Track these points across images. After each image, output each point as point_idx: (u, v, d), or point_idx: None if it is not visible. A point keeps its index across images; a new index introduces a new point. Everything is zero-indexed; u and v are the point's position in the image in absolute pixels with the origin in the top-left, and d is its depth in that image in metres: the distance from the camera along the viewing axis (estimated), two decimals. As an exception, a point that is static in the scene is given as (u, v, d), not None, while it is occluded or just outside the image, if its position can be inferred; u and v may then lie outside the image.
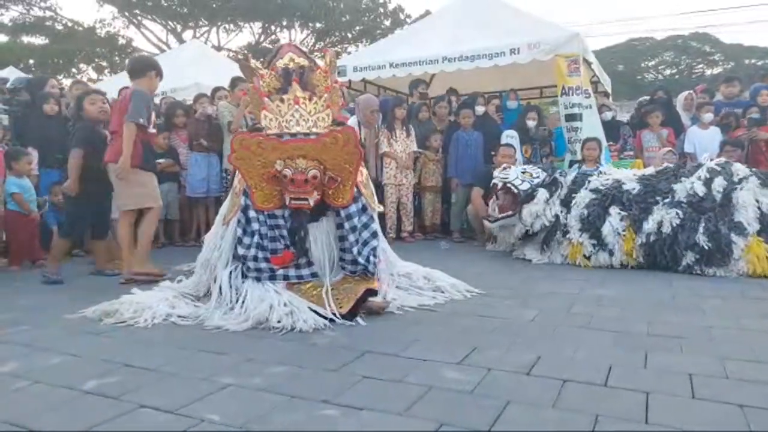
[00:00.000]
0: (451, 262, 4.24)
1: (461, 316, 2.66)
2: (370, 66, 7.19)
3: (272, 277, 2.71)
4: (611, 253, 4.06)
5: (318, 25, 22.51)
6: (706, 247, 3.73)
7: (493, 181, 4.79)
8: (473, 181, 5.71)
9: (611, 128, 6.77)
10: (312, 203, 2.64)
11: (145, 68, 3.89)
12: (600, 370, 1.86)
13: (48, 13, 20.62)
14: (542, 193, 4.43)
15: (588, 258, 4.16)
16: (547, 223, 4.37)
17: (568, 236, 4.28)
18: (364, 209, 2.83)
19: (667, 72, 29.78)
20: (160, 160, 5.71)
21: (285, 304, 2.54)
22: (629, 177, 4.37)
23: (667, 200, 4.02)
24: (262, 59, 3.31)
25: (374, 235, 2.85)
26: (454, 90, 7.56)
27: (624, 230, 4.02)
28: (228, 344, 2.23)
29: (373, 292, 2.70)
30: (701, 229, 3.79)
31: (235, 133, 5.36)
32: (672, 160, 5.41)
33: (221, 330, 2.43)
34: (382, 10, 22.78)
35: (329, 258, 2.80)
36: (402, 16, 22.57)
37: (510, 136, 6.05)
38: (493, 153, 5.80)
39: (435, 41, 7.11)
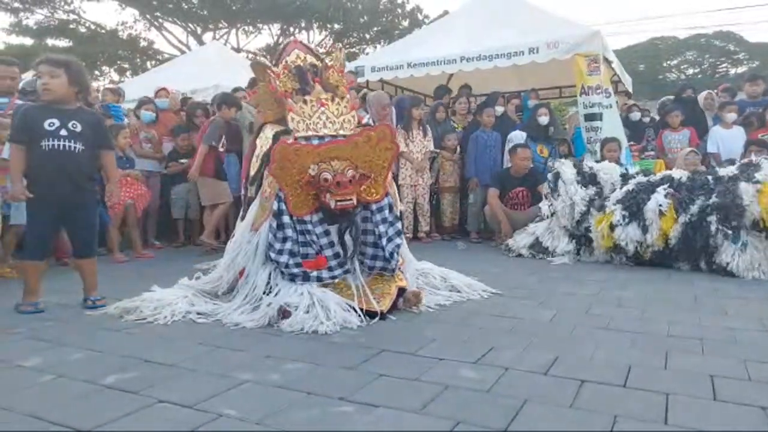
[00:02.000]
0: (468, 262, 4.23)
1: (478, 316, 2.65)
2: (387, 66, 7.20)
3: (306, 279, 2.68)
4: (645, 230, 3.99)
5: (336, 26, 22.60)
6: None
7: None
8: (489, 182, 5.69)
9: (637, 128, 6.70)
10: (356, 202, 2.66)
11: (221, 104, 5.31)
12: (619, 370, 1.83)
13: (72, 17, 21.03)
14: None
15: (613, 229, 4.10)
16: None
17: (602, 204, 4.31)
18: (390, 207, 2.85)
19: (690, 71, 29.30)
20: (182, 161, 5.80)
21: (310, 307, 2.51)
22: (680, 173, 4.42)
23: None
24: (269, 57, 3.33)
25: (399, 233, 2.87)
26: (468, 86, 7.54)
27: (666, 209, 3.97)
28: (246, 341, 2.25)
29: (403, 291, 2.73)
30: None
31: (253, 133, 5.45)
32: (695, 161, 5.33)
33: (240, 327, 2.45)
34: (400, 10, 22.77)
35: (368, 251, 2.82)
36: (420, 17, 22.54)
37: (518, 137, 6.01)
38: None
39: (453, 41, 7.09)
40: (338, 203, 2.61)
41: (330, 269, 2.72)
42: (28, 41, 20.88)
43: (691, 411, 1.52)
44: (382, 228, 2.76)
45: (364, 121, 5.00)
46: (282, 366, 1.92)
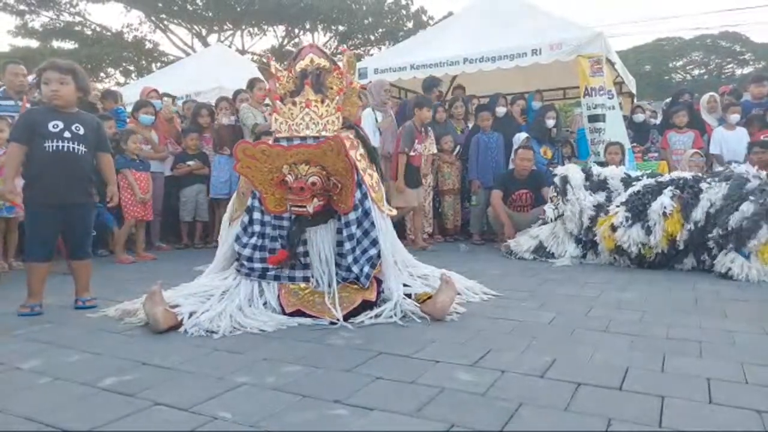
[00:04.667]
0: (471, 264, 4.23)
1: (477, 318, 2.64)
2: (391, 68, 7.22)
3: (262, 276, 2.73)
4: (648, 231, 3.96)
5: (341, 27, 22.63)
6: (733, 227, 3.70)
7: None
8: (491, 184, 5.69)
9: (641, 130, 6.68)
10: (311, 210, 2.62)
11: (413, 106, 5.49)
12: (616, 373, 1.83)
13: (77, 19, 21.17)
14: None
15: (614, 230, 4.07)
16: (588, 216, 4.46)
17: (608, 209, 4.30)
18: (366, 215, 2.76)
19: (696, 72, 29.16)
20: (190, 162, 5.84)
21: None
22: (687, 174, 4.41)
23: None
24: (284, 63, 3.33)
25: (374, 243, 2.77)
26: (462, 87, 7.50)
27: (671, 211, 3.94)
28: (244, 344, 2.25)
29: (369, 304, 2.66)
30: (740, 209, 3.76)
31: (259, 135, 5.45)
32: (699, 163, 5.31)
33: (238, 330, 2.45)
34: (404, 12, 22.77)
35: (332, 261, 2.77)
36: (425, 18, 22.54)
37: (522, 139, 6.01)
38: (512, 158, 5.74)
39: (456, 42, 7.10)
40: (292, 208, 2.63)
41: (292, 267, 2.74)
42: (33, 43, 21.04)
43: (685, 414, 1.51)
44: (347, 245, 2.70)
45: (363, 113, 5.03)
46: (278, 369, 1.93)
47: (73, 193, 2.87)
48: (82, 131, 2.86)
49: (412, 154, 5.37)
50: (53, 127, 2.78)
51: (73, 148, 2.83)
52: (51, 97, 2.81)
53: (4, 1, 19.41)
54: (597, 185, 4.63)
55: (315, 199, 2.62)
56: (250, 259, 2.72)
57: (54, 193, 2.80)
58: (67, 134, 2.81)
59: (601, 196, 4.54)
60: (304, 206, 2.59)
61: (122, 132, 5.07)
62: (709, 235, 3.84)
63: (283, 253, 2.71)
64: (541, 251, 4.66)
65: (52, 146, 2.78)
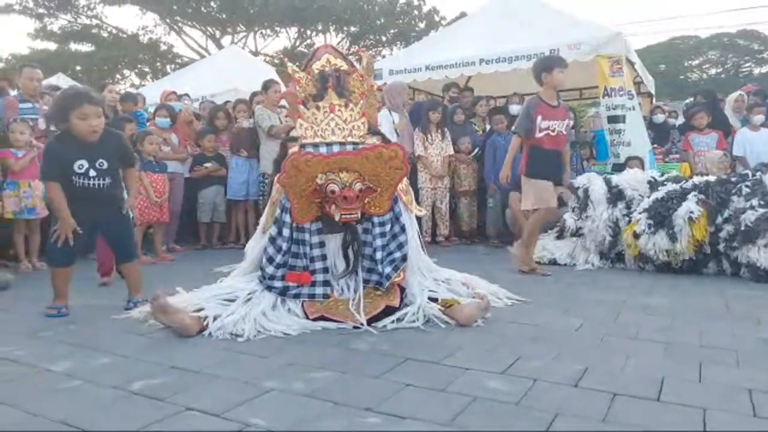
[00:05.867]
0: (489, 267, 4.19)
1: (503, 324, 2.61)
2: (405, 69, 7.19)
3: (282, 294, 2.67)
4: (673, 237, 3.89)
5: (353, 28, 22.66)
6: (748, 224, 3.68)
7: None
8: (510, 186, 5.62)
9: (661, 131, 6.59)
10: (359, 216, 2.64)
11: (535, 77, 4.16)
12: (652, 383, 1.78)
13: (94, 21, 21.42)
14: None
15: (637, 237, 4.00)
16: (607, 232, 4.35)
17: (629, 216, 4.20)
18: (397, 218, 2.77)
19: (712, 71, 28.78)
20: (207, 165, 5.87)
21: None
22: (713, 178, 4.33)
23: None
24: (299, 63, 3.32)
25: (400, 246, 2.76)
26: (470, 89, 7.48)
27: (698, 217, 3.87)
28: (269, 348, 2.24)
29: (392, 310, 2.64)
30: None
31: (276, 137, 5.46)
32: (726, 164, 5.22)
33: (263, 334, 2.44)
34: (416, 12, 22.76)
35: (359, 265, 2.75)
36: (437, 18, 22.51)
37: None
38: None
39: (472, 43, 7.05)
40: (343, 217, 2.60)
41: (313, 285, 2.69)
42: (52, 46, 21.34)
43: (731, 428, 1.47)
44: (378, 242, 2.70)
45: (379, 114, 4.96)
46: (306, 374, 1.91)
47: (103, 213, 2.96)
48: (105, 165, 2.90)
49: (539, 135, 3.99)
50: (79, 168, 2.83)
51: (100, 184, 2.89)
52: (90, 133, 2.81)
53: (24, 4, 19.69)
54: (616, 195, 4.50)
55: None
56: (272, 277, 2.68)
57: (81, 211, 2.86)
58: (92, 173, 2.86)
59: (621, 208, 4.40)
60: (356, 213, 2.59)
61: (138, 134, 5.09)
62: (720, 235, 3.78)
63: (307, 277, 2.67)
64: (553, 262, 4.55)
65: (79, 183, 2.85)
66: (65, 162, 2.81)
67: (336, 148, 2.67)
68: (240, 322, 2.48)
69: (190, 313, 2.50)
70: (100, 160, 2.87)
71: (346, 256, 2.70)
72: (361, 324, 2.51)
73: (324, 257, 2.72)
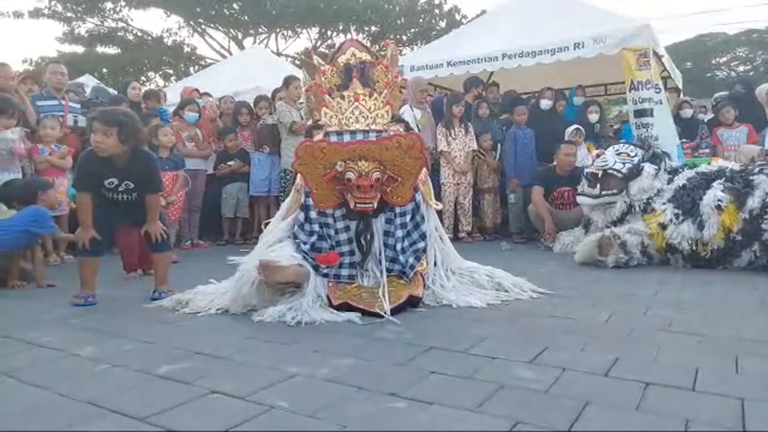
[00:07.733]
0: (514, 262, 4.13)
1: (528, 316, 2.56)
2: (427, 65, 7.15)
3: (315, 269, 2.69)
4: (700, 227, 3.79)
5: (373, 28, 22.67)
6: None
7: (589, 170, 4.60)
8: (532, 181, 5.55)
9: (689, 126, 6.44)
10: (375, 206, 2.64)
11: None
12: (686, 373, 1.72)
13: (120, 24, 21.83)
14: (649, 167, 4.29)
15: (664, 228, 3.91)
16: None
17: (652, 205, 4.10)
18: (418, 208, 2.78)
19: (741, 69, 28.01)
20: (230, 162, 5.92)
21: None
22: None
23: None
24: (325, 55, 3.33)
25: (423, 236, 2.79)
26: (496, 84, 7.38)
27: (726, 204, 3.77)
28: (293, 335, 2.24)
29: (415, 300, 2.64)
30: None
31: (297, 133, 5.48)
32: (762, 159, 5.06)
33: (284, 322, 2.44)
34: (437, 11, 22.66)
35: (383, 253, 2.76)
36: (458, 17, 22.37)
37: (570, 133, 5.85)
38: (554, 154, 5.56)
39: (494, 38, 6.97)
40: (357, 205, 2.61)
41: (340, 266, 2.71)
42: (79, 49, 21.76)
43: (771, 417, 1.41)
44: (399, 233, 2.72)
45: (402, 110, 4.93)
46: (330, 361, 1.90)
47: (133, 218, 3.10)
48: (132, 186, 2.99)
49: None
50: (109, 184, 2.95)
51: (128, 198, 3.02)
52: (94, 147, 2.88)
53: (53, 8, 20.16)
54: (652, 156, 4.38)
55: (378, 195, 2.61)
56: (304, 258, 2.70)
57: (110, 212, 3.02)
58: (121, 188, 2.98)
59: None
60: (370, 203, 2.60)
61: (151, 128, 4.95)
62: (763, 226, 3.65)
63: (334, 256, 2.69)
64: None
65: (109, 195, 2.98)
66: (97, 179, 2.93)
67: (360, 136, 2.67)
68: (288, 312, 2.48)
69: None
70: (127, 181, 2.96)
71: (360, 245, 2.70)
72: (385, 313, 2.49)
73: (350, 240, 2.73)
